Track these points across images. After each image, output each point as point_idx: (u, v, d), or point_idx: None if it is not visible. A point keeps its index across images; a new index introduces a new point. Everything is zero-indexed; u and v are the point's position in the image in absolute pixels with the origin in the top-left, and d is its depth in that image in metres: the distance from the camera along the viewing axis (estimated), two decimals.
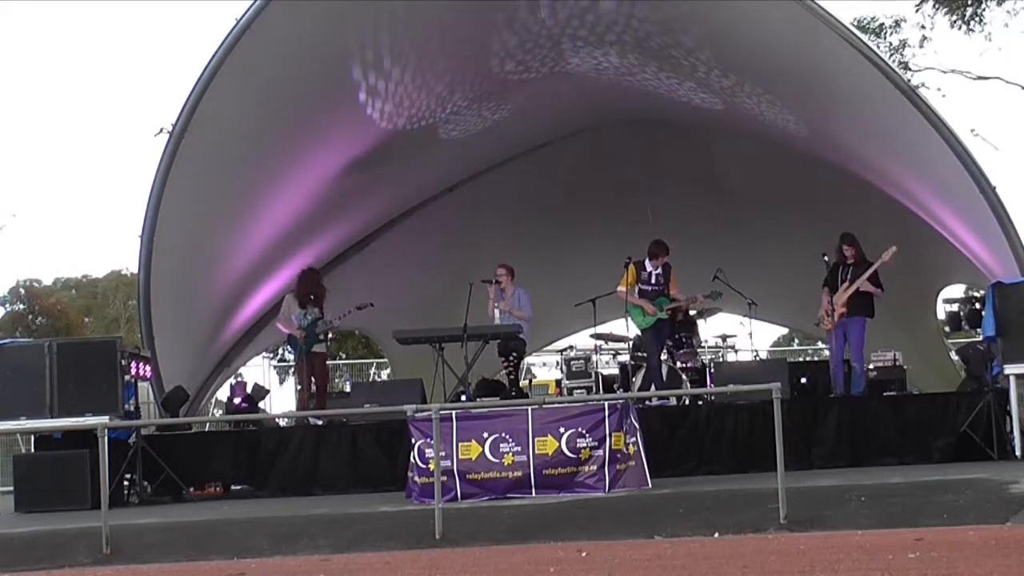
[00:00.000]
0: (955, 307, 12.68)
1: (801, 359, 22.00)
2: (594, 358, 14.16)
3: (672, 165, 16.40)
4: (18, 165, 52.49)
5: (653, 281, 12.65)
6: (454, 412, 9.67)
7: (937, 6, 23.93)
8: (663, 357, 12.73)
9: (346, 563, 5.93)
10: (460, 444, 9.42)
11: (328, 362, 14.21)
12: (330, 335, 13.74)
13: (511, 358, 13.06)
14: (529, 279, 13.97)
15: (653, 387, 12.32)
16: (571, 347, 15.88)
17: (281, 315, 13.64)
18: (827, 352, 14.16)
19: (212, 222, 13.30)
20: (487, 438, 9.45)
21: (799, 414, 11.00)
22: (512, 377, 13.24)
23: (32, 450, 12.94)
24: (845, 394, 12.07)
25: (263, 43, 11.81)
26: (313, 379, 13.17)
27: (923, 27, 24.44)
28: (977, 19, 23.87)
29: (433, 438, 8.72)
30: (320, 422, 12.66)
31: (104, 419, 10.40)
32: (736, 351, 15.61)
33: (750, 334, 14.60)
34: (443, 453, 9.11)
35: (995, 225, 11.59)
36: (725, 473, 10.81)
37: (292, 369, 17.05)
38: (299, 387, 13.31)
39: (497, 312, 13.02)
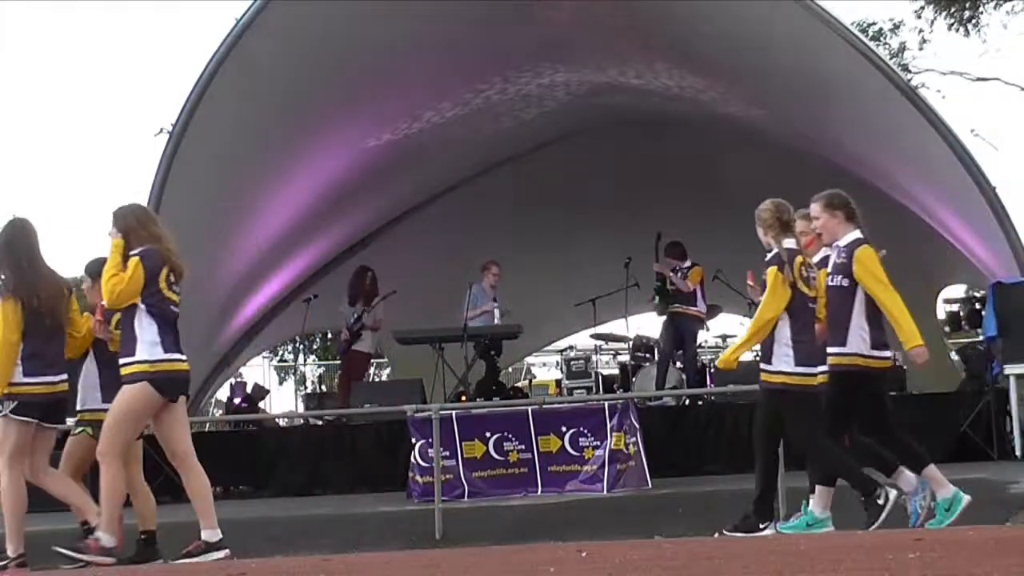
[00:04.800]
0: (955, 307, 12.71)
1: None
2: (594, 358, 14.18)
3: (672, 165, 16.38)
4: (19, 165, 52.50)
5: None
6: (454, 412, 9.68)
7: (937, 11, 23.93)
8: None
9: (346, 563, 5.92)
10: (464, 443, 9.44)
11: (327, 362, 14.20)
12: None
13: (491, 354, 13.04)
14: (530, 279, 13.95)
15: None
16: (571, 347, 15.90)
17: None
18: None
19: (212, 222, 13.28)
20: (490, 436, 9.48)
21: None
22: (494, 378, 13.22)
23: None
24: None
25: (263, 43, 11.82)
26: None
27: (921, 31, 24.46)
28: (975, 22, 23.87)
29: (434, 438, 8.73)
30: (320, 422, 12.66)
31: None
32: None
33: None
34: (447, 453, 9.12)
35: (995, 225, 11.59)
36: (725, 473, 10.81)
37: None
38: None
39: (497, 311, 13.03)
